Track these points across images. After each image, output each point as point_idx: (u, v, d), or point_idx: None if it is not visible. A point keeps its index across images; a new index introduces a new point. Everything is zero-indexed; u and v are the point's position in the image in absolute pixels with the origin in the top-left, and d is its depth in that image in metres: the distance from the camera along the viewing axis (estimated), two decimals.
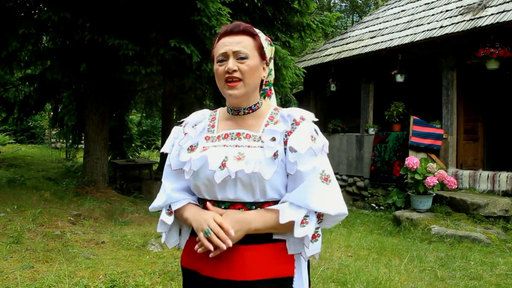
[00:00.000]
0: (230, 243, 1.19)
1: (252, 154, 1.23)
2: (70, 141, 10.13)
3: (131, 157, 11.18)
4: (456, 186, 6.15)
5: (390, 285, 3.53)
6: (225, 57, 1.28)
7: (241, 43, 1.28)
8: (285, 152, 1.25)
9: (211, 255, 1.20)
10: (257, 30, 1.35)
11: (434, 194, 6.28)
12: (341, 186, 1.34)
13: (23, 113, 8.97)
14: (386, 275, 3.76)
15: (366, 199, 8.12)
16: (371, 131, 8.25)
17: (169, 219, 1.34)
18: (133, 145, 11.86)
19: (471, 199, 5.92)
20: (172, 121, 10.78)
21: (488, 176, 6.35)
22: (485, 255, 4.65)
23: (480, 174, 6.46)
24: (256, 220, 1.22)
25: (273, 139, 1.25)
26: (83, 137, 8.65)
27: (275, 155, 1.23)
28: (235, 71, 1.26)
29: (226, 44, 1.28)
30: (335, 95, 9.28)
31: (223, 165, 1.21)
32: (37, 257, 3.64)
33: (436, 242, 5.23)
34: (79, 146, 10.98)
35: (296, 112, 1.30)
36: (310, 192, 1.21)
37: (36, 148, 16.51)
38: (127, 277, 3.25)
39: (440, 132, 6.91)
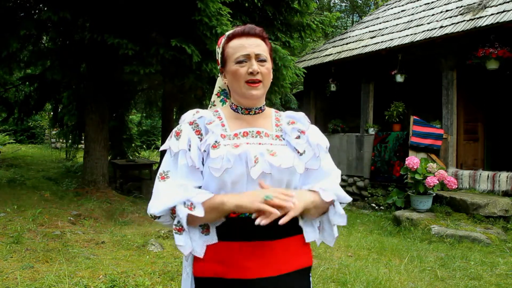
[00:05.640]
0: (292, 204, 1.15)
1: (281, 151, 1.28)
2: (70, 141, 10.13)
3: (131, 157, 11.18)
4: (456, 186, 6.15)
5: (390, 285, 3.53)
6: (247, 58, 1.28)
7: (260, 46, 1.30)
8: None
9: (264, 222, 1.11)
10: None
11: (434, 194, 6.28)
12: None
13: (23, 113, 8.97)
14: (386, 275, 3.76)
15: (366, 199, 8.11)
16: (371, 131, 8.24)
17: (199, 211, 1.15)
18: (133, 145, 11.85)
19: (471, 199, 5.92)
20: (172, 121, 10.77)
21: (488, 176, 6.35)
22: (485, 255, 4.65)
23: (480, 174, 6.46)
24: (306, 196, 1.26)
25: (298, 137, 1.33)
26: (83, 137, 8.66)
27: (304, 151, 1.31)
28: (258, 73, 1.28)
29: (246, 46, 1.28)
30: (335, 95, 9.28)
31: (254, 161, 1.21)
32: (37, 257, 3.63)
33: (436, 242, 5.23)
34: (79, 146, 10.98)
35: (300, 113, 1.41)
36: (336, 184, 1.35)
37: (36, 148, 16.50)
38: (127, 277, 3.25)
39: (440, 132, 6.90)
